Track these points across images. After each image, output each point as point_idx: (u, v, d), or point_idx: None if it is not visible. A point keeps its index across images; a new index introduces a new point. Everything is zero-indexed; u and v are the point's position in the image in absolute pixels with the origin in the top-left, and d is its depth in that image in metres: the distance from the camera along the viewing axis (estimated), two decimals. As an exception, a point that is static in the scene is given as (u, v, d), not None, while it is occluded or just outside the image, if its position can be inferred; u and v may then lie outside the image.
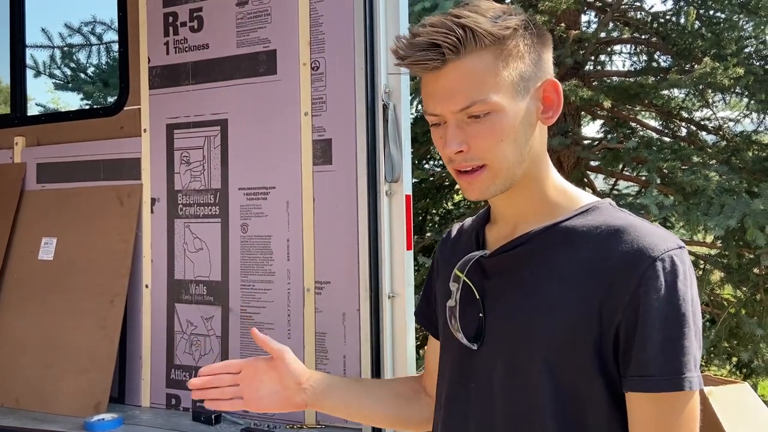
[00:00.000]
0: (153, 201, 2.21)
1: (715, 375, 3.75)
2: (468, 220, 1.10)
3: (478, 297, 0.92)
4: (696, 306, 0.83)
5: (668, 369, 0.80)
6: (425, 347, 1.19)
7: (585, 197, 0.96)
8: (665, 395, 0.80)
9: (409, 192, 1.83)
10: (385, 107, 1.79)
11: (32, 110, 5.65)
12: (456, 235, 1.08)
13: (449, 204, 5.62)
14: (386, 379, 1.17)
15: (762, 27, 3.69)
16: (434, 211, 5.32)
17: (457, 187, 5.54)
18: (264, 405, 1.07)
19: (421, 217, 5.06)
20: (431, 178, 5.12)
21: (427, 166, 5.43)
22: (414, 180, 4.83)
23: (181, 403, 2.12)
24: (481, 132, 0.87)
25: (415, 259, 3.82)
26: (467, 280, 0.91)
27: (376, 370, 1.81)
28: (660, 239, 0.84)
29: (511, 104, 0.88)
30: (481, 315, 0.87)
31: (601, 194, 5.00)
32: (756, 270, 4.01)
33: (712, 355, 4.41)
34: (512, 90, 0.88)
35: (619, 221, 0.88)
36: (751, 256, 3.94)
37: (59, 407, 2.10)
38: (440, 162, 5.72)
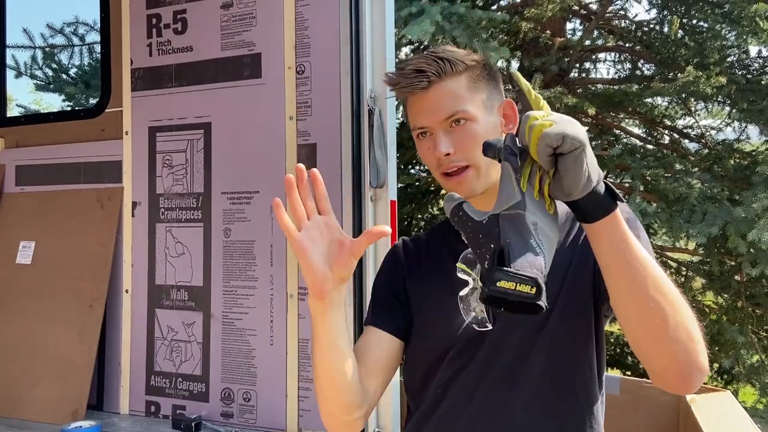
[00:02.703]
0: (134, 204, 2.18)
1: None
2: (421, 236, 1.28)
3: (479, 286, 1.03)
4: None
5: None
6: (361, 340, 1.18)
7: None
8: None
9: (394, 198, 1.82)
10: (371, 112, 1.78)
11: (13, 111, 5.57)
12: (414, 249, 1.24)
13: (434, 209, 5.62)
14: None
15: (744, 37, 3.72)
16: (419, 216, 5.31)
17: (442, 192, 5.54)
18: (309, 255, 0.95)
19: (406, 222, 5.06)
20: (416, 183, 5.11)
21: (412, 171, 5.43)
22: (399, 185, 4.83)
23: (160, 410, 2.09)
24: (463, 137, 1.09)
25: (400, 264, 3.79)
26: (471, 271, 1.03)
27: (360, 378, 1.79)
28: None
29: (483, 116, 1.11)
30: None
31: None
32: (737, 277, 4.05)
33: (693, 362, 4.43)
34: (482, 105, 1.12)
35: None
36: (733, 263, 3.98)
37: (36, 414, 2.06)
38: (426, 167, 5.72)
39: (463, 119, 1.09)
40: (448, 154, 1.08)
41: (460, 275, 0.98)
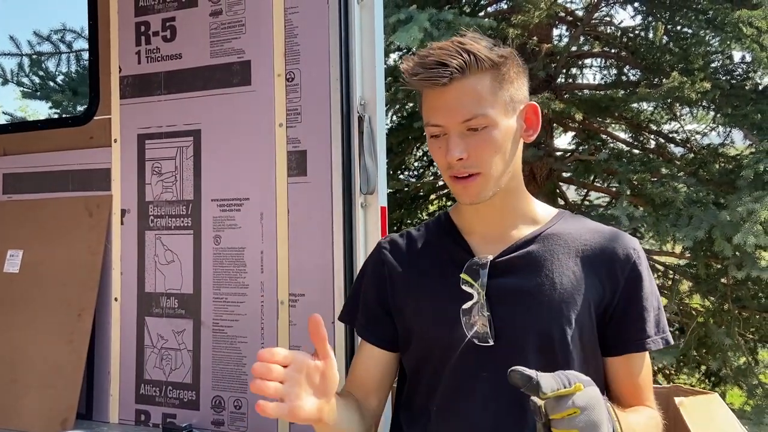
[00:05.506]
0: (123, 212, 2.17)
1: (685, 384, 3.80)
2: (412, 232, 1.20)
3: (483, 297, 1.02)
4: None
5: (660, 330, 1.04)
6: (358, 359, 1.18)
7: (547, 206, 1.15)
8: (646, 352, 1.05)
9: (384, 204, 1.83)
10: (361, 119, 1.79)
11: (-1, 119, 5.53)
12: (405, 246, 1.18)
13: (424, 214, 5.63)
14: (349, 394, 1.11)
15: (728, 42, 3.77)
16: (409, 222, 5.32)
17: (432, 197, 5.56)
18: (302, 415, 0.91)
19: (395, 228, 5.06)
20: (406, 189, 5.12)
21: (402, 176, 5.44)
22: (389, 190, 4.84)
23: (150, 419, 2.08)
24: (479, 143, 1.02)
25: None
26: (474, 282, 1.01)
27: (351, 384, 1.80)
28: (629, 237, 1.09)
29: (504, 121, 1.03)
30: (488, 313, 0.95)
31: (573, 205, 5.07)
32: (723, 280, 4.09)
33: (681, 364, 4.48)
34: (504, 108, 1.03)
35: (593, 225, 1.11)
36: (719, 266, 4.02)
37: (24, 424, 2.04)
38: (415, 172, 5.74)
39: (481, 125, 1.01)
40: (460, 159, 1.01)
41: (464, 287, 0.97)
